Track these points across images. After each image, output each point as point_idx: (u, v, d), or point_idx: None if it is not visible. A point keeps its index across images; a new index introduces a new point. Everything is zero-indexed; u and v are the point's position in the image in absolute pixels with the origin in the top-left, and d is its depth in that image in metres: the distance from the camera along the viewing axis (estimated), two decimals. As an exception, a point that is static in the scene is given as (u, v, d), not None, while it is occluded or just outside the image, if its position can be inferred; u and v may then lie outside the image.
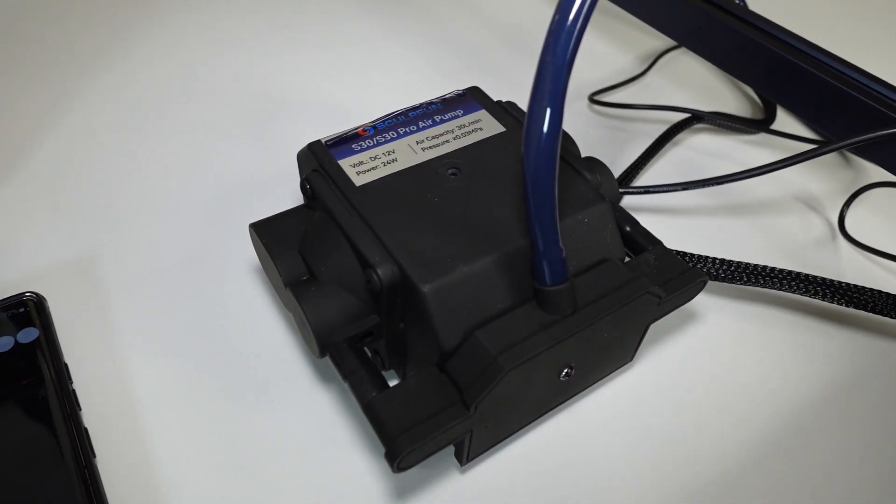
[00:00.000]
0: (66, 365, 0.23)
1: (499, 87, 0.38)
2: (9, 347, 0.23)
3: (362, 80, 0.37)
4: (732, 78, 0.40)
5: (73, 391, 0.22)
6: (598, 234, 0.22)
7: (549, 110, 0.17)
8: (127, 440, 0.22)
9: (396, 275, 0.20)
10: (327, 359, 0.23)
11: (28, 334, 0.23)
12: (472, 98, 0.26)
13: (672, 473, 0.22)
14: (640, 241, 0.24)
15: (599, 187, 0.23)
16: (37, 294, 0.25)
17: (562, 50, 0.16)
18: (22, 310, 0.24)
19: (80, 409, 0.22)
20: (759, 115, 0.38)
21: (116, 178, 0.31)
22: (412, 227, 0.21)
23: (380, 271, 0.20)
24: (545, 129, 0.17)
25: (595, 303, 0.20)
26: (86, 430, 0.21)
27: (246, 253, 0.28)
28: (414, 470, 0.22)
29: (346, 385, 0.20)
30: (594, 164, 0.25)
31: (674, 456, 0.23)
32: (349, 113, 0.35)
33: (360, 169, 0.22)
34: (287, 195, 0.30)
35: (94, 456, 0.21)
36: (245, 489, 0.21)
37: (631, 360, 0.25)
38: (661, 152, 0.35)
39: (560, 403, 0.23)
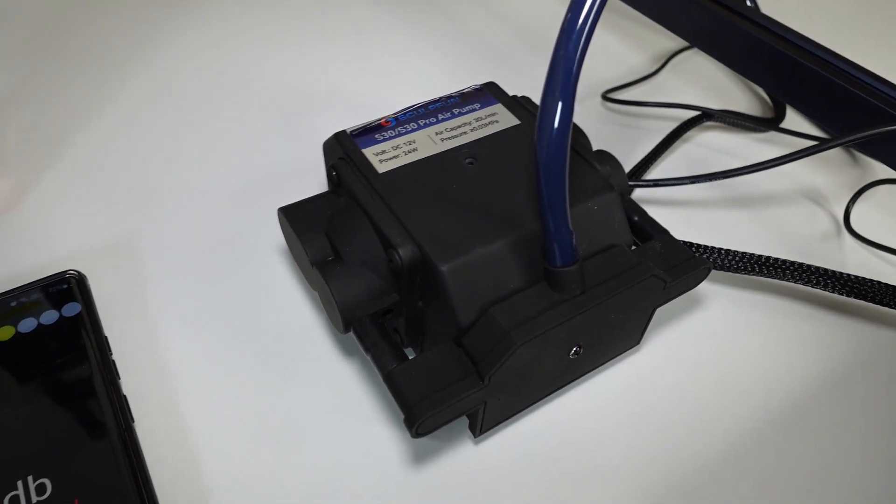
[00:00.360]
0: (105, 338, 0.25)
1: (514, 82, 0.39)
2: (54, 320, 0.25)
3: (383, 74, 0.39)
4: (743, 78, 0.41)
5: (113, 361, 0.24)
6: (606, 221, 0.23)
7: (560, 101, 0.18)
8: (163, 407, 0.24)
9: (416, 255, 0.21)
10: (349, 335, 0.25)
11: (71, 309, 0.25)
12: (488, 92, 0.27)
13: (673, 452, 0.23)
14: (647, 230, 0.25)
15: (609, 178, 0.25)
16: (78, 272, 0.26)
17: (573, 45, 0.17)
18: (65, 286, 0.26)
19: (120, 378, 0.24)
20: (769, 115, 0.39)
21: (152, 165, 0.32)
22: (431, 211, 0.22)
23: (401, 251, 0.21)
24: (557, 118, 0.18)
25: (603, 284, 0.21)
26: (125, 397, 0.23)
27: (274, 237, 0.29)
28: (430, 440, 0.23)
29: (368, 357, 0.21)
30: (605, 156, 0.26)
31: (676, 436, 0.24)
32: (370, 106, 0.37)
33: (383, 157, 0.24)
34: (312, 184, 0.32)
35: (133, 421, 0.22)
36: (272, 454, 0.23)
37: (638, 343, 0.26)
38: (671, 149, 0.36)
39: (569, 382, 0.24)
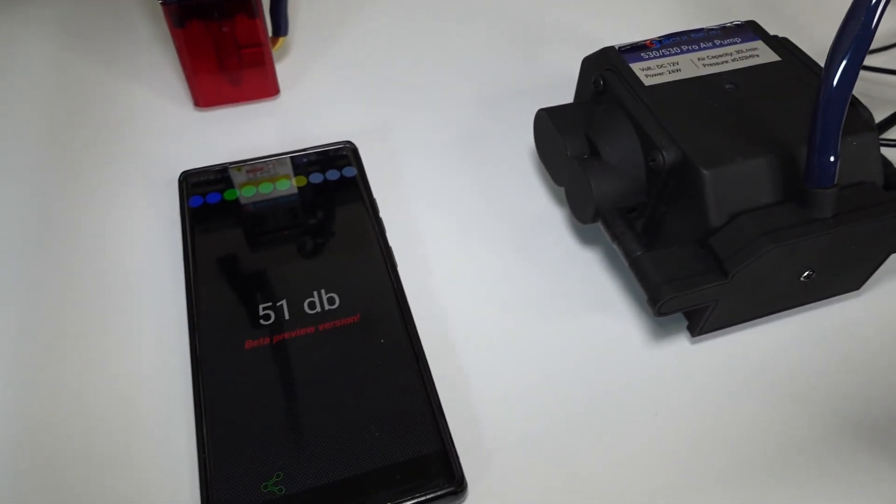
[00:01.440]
0: (374, 199, 0.29)
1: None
2: (336, 178, 0.29)
3: (615, 13, 0.41)
4: None
5: (381, 218, 0.28)
6: (862, 158, 0.24)
7: (860, 32, 0.19)
8: (416, 265, 0.28)
9: (678, 158, 0.23)
10: (591, 227, 0.27)
11: (349, 171, 0.30)
12: (749, 29, 0.28)
13: (875, 402, 0.24)
14: (893, 181, 0.25)
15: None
16: (353, 143, 0.31)
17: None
18: (343, 153, 0.31)
19: (386, 231, 0.28)
20: None
21: (408, 66, 0.37)
22: (694, 122, 0.24)
23: (665, 153, 0.23)
24: (852, 49, 0.19)
25: (854, 211, 0.22)
26: (390, 247, 0.27)
27: (515, 140, 0.33)
28: (646, 333, 0.26)
29: (614, 245, 0.24)
30: (861, 104, 0.27)
31: (880, 387, 0.24)
32: (598, 39, 0.39)
33: (648, 73, 0.26)
34: (547, 101, 0.34)
35: (397, 265, 0.27)
36: (516, 320, 0.26)
37: (858, 288, 0.26)
38: (904, 121, 0.35)
39: (791, 307, 0.26)
